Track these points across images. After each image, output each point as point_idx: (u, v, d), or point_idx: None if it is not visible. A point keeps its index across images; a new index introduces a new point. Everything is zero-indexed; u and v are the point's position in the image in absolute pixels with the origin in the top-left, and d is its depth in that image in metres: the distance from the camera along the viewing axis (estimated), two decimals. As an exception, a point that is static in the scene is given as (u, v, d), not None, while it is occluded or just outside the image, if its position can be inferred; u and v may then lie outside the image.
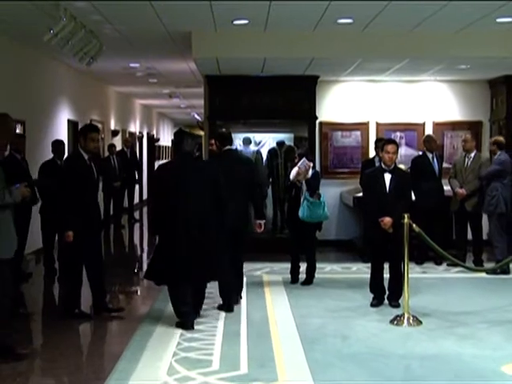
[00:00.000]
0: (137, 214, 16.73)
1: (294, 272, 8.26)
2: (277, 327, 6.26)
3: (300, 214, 7.89)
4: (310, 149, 9.48)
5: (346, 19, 7.98)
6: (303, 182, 8.01)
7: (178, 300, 6.20)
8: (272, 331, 6.12)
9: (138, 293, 8.48)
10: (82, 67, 9.94)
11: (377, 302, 7.06)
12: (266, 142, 11.71)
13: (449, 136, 11.39)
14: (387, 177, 6.98)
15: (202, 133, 15.28)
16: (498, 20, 7.96)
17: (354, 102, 11.35)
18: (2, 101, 8.79)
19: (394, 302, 6.94)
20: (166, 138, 27.96)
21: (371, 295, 7.14)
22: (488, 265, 9.02)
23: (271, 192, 11.35)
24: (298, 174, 7.99)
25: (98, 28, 8.32)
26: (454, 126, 11.40)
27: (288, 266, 8.34)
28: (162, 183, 6.31)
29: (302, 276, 8.23)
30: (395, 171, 7.04)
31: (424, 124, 11.34)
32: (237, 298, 7.15)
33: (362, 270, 8.88)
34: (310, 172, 8.02)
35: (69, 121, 12.41)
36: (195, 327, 6.16)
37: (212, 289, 7.24)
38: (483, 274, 8.60)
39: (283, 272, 8.66)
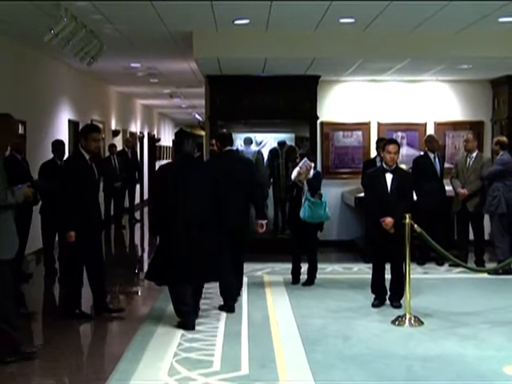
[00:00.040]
0: (137, 215, 16.73)
1: (295, 272, 8.25)
2: (278, 328, 6.24)
3: (301, 214, 7.87)
4: (311, 149, 9.47)
5: (348, 19, 7.97)
6: (304, 183, 8.00)
7: (179, 300, 6.19)
8: (273, 332, 6.10)
9: (139, 293, 8.46)
10: (82, 67, 9.93)
11: (378, 303, 7.05)
12: (267, 142, 11.70)
13: (450, 136, 11.36)
14: (389, 177, 6.96)
15: (202, 133, 15.28)
16: (500, 20, 7.94)
17: (355, 101, 11.33)
18: (2, 101, 8.78)
19: (396, 302, 6.92)
20: (166, 138, 27.95)
21: (373, 296, 7.13)
22: (490, 265, 9.01)
23: (272, 192, 11.35)
24: (299, 174, 7.97)
25: (99, 28, 8.31)
26: (456, 126, 11.38)
27: (289, 266, 8.33)
28: (163, 183, 6.33)
29: (304, 276, 8.21)
30: (397, 171, 7.03)
31: (425, 124, 11.32)
32: (236, 297, 7.14)
33: (363, 271, 8.87)
34: (312, 172, 8.00)
35: (69, 121, 12.40)
36: (196, 328, 6.15)
37: (212, 289, 7.23)
38: (485, 275, 8.57)
39: (284, 272, 8.64)
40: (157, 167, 16.72)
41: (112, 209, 14.02)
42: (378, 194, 6.97)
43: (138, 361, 5.25)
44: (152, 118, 23.79)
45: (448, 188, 9.48)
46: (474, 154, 9.23)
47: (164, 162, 22.97)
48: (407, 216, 6.42)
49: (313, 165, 8.08)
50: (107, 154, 14.35)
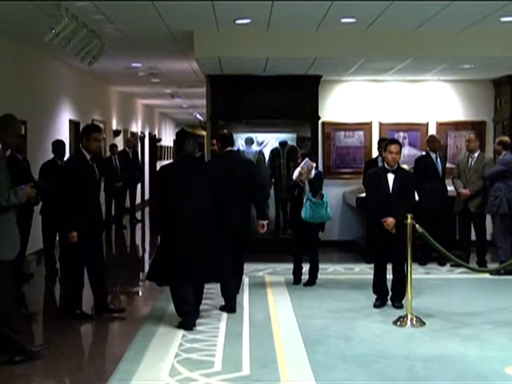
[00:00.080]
0: (138, 215, 16.73)
1: (297, 273, 8.23)
2: (279, 328, 6.23)
3: (303, 214, 7.86)
4: (312, 149, 9.45)
5: (349, 19, 7.95)
6: (306, 183, 7.98)
7: (180, 299, 6.18)
8: (274, 332, 6.09)
9: (140, 293, 8.46)
10: (83, 67, 9.92)
11: (380, 303, 7.03)
12: (268, 142, 11.70)
13: (452, 136, 11.34)
14: (390, 177, 6.94)
15: (204, 133, 15.27)
16: (502, 19, 7.92)
17: (356, 101, 11.31)
18: (2, 101, 8.77)
19: (397, 302, 6.91)
20: (167, 138, 27.94)
21: (374, 296, 7.11)
22: (492, 265, 8.99)
23: (274, 192, 11.33)
24: (300, 174, 7.96)
25: (100, 27, 8.30)
26: (458, 125, 11.36)
27: (290, 266, 8.31)
28: (164, 183, 6.33)
29: (305, 277, 8.20)
30: (398, 171, 7.01)
31: (427, 124, 11.30)
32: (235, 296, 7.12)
33: (364, 271, 8.85)
34: (313, 172, 7.98)
35: (70, 121, 12.39)
36: (197, 328, 6.14)
37: (213, 289, 7.22)
38: (487, 275, 8.57)
39: (285, 273, 8.62)
40: (158, 167, 16.72)
41: (113, 209, 14.02)
42: (380, 194, 6.95)
43: (139, 361, 5.24)
44: (153, 117, 23.79)
45: (450, 188, 9.46)
46: (476, 154, 9.21)
47: (165, 162, 22.96)
48: (409, 216, 6.41)
49: (314, 165, 8.06)
50: (108, 154, 14.34)
